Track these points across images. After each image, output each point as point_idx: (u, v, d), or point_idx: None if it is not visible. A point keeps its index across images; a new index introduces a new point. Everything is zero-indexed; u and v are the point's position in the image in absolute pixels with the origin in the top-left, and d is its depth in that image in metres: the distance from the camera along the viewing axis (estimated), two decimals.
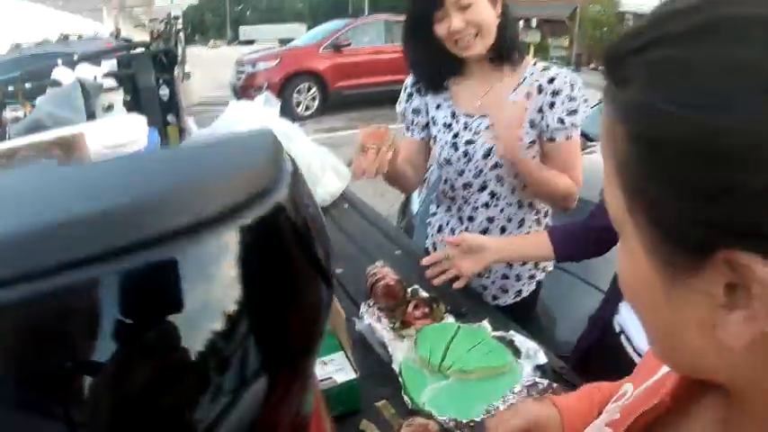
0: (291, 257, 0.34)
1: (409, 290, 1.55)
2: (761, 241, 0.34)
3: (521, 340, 1.35)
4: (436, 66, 1.72)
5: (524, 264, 1.81)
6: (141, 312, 0.27)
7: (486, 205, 1.76)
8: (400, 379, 1.23)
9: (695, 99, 0.35)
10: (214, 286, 0.29)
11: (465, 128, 1.73)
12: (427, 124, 1.85)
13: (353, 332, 1.42)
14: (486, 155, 1.69)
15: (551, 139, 1.65)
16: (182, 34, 11.68)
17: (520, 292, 1.86)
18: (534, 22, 38.64)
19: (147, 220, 0.27)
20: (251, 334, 0.31)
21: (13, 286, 0.24)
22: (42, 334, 0.25)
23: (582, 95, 1.64)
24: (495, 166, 1.69)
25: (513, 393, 1.16)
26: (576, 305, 2.48)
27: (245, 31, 60.85)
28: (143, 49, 3.36)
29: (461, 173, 1.76)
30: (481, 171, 1.72)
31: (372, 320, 1.42)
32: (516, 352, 1.32)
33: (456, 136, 1.74)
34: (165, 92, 3.19)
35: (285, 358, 0.35)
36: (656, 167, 0.38)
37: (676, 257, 0.39)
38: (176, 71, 8.65)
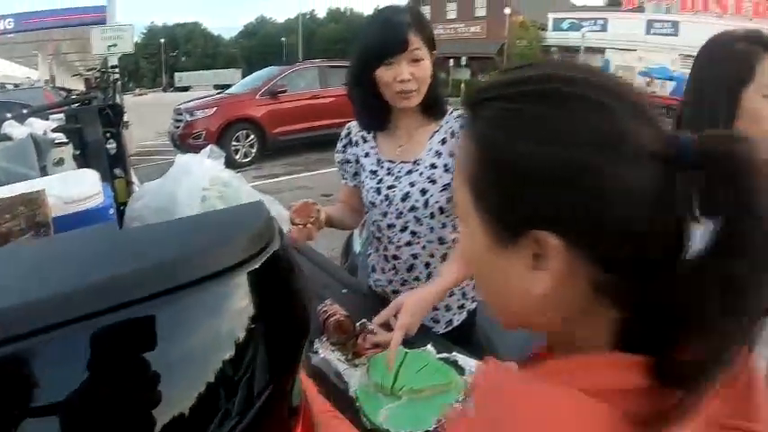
0: (289, 289, 0.49)
1: (358, 324, 1.67)
2: (552, 224, 0.55)
3: (463, 359, 1.50)
4: (374, 111, 1.84)
5: (452, 295, 1.93)
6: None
7: (409, 243, 1.88)
8: (357, 403, 1.35)
9: (519, 136, 0.57)
10: (241, 313, 0.44)
11: (388, 173, 1.87)
12: (357, 173, 1.98)
13: (309, 367, 1.54)
14: (404, 198, 1.82)
15: None
16: (118, 84, 11.68)
17: (451, 321, 1.96)
18: (464, 60, 39.71)
19: (195, 266, 0.42)
20: (261, 351, 0.46)
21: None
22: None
23: None
24: (413, 208, 1.82)
25: (460, 404, 1.30)
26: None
27: (181, 78, 60.65)
28: (89, 103, 3.43)
29: (385, 215, 1.88)
30: (401, 213, 1.84)
31: (327, 354, 1.54)
32: (460, 370, 1.46)
33: (380, 182, 1.88)
34: (112, 145, 3.25)
35: (284, 366, 0.50)
36: (491, 177, 0.59)
37: (502, 236, 0.59)
38: (121, 124, 8.58)
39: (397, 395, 1.37)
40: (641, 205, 0.53)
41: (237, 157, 11.10)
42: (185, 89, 50.94)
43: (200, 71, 63.26)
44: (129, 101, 22.82)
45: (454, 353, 1.54)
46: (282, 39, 78.89)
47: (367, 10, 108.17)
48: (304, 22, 75.90)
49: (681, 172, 0.54)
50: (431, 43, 1.75)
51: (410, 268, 1.92)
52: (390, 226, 1.89)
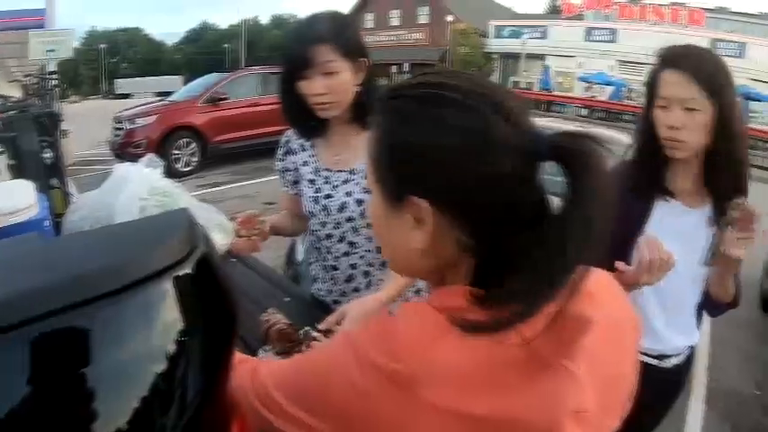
0: (216, 293, 0.50)
1: (301, 332, 1.68)
2: (425, 193, 0.73)
3: None
4: (305, 119, 1.84)
5: (393, 301, 1.92)
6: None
7: (347, 254, 1.90)
8: None
9: (405, 125, 0.75)
10: (171, 314, 0.45)
11: (325, 182, 1.88)
12: (296, 181, 1.99)
13: None
14: (341, 208, 1.84)
15: None
16: (56, 90, 11.38)
17: None
18: (406, 67, 39.98)
19: (128, 270, 0.42)
20: (188, 356, 0.46)
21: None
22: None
23: None
24: (350, 219, 1.84)
25: None
26: None
27: (122, 85, 59.50)
28: (26, 111, 3.35)
29: (323, 225, 1.90)
30: (339, 223, 1.87)
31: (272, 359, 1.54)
32: None
33: (318, 191, 1.89)
34: (48, 155, 3.18)
35: (215, 362, 0.50)
36: (384, 155, 0.78)
37: (392, 201, 0.78)
38: (58, 132, 8.40)
39: None
40: (503, 184, 0.71)
41: (179, 165, 10.94)
42: (126, 96, 49.90)
43: (142, 78, 62.10)
44: (68, 108, 22.23)
45: None
46: (225, 45, 78.13)
47: None
48: (247, 29, 75.32)
49: (540, 161, 0.72)
50: (353, 53, 1.74)
51: (349, 278, 1.93)
52: (329, 236, 1.91)
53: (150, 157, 2.83)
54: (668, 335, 1.82)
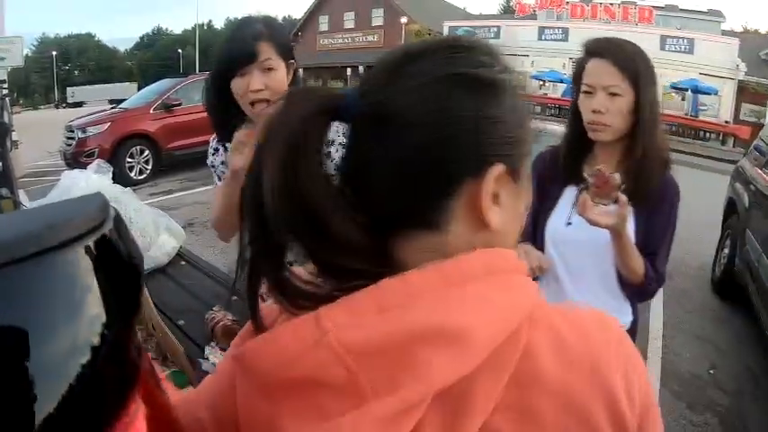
0: (124, 258, 0.57)
1: None
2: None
3: None
4: (232, 121, 1.81)
5: None
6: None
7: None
8: None
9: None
10: (82, 277, 0.51)
11: None
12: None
13: (201, 372, 1.59)
14: None
15: None
16: (7, 100, 11.15)
17: None
18: (361, 69, 40.01)
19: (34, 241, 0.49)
20: (89, 328, 0.53)
21: None
22: None
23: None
24: None
25: None
26: None
27: (74, 93, 58.32)
28: None
29: None
30: None
31: (216, 359, 1.60)
32: None
33: None
34: None
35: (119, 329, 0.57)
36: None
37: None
38: (8, 142, 8.37)
39: None
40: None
41: (132, 173, 10.82)
42: (79, 105, 48.92)
43: (95, 85, 60.99)
44: (19, 119, 21.80)
45: None
46: (179, 50, 77.29)
47: None
48: (202, 33, 74.56)
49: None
50: (287, 54, 1.80)
51: None
52: None
53: (99, 163, 2.87)
54: (579, 299, 1.89)
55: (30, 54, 76.63)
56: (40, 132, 15.52)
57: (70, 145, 10.81)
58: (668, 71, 26.36)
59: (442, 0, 45.62)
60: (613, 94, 1.69)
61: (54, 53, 75.05)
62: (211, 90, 1.84)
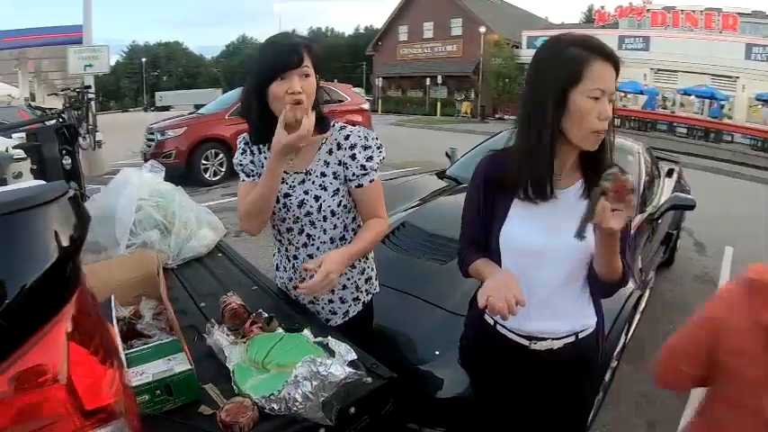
0: (75, 216, 0.84)
1: (254, 313, 1.91)
2: None
3: (335, 343, 1.69)
4: (267, 124, 1.94)
5: (345, 288, 2.21)
6: None
7: (305, 245, 2.13)
8: (231, 374, 1.58)
9: None
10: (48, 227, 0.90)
11: (283, 182, 2.05)
12: (255, 175, 2.11)
13: (205, 346, 1.77)
14: (300, 205, 2.05)
15: (360, 186, 2.05)
16: (93, 103, 11.83)
17: (347, 312, 2.24)
18: (440, 79, 40.13)
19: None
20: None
21: None
22: None
23: (375, 144, 2.08)
24: (308, 213, 2.06)
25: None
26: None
27: (162, 97, 60.53)
28: (49, 123, 3.68)
29: (283, 220, 2.12)
30: (298, 218, 2.08)
31: (218, 335, 1.77)
32: (330, 352, 1.66)
33: (278, 190, 2.03)
34: (67, 161, 3.51)
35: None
36: None
37: None
38: (87, 140, 9.07)
39: (266, 368, 1.60)
40: None
41: (207, 175, 11.29)
42: (166, 108, 50.76)
43: (181, 91, 63.11)
44: (109, 120, 22.82)
45: (329, 337, 1.74)
46: None
47: (348, 30, 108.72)
48: None
49: None
50: (317, 67, 1.95)
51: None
52: (289, 230, 2.14)
53: (152, 162, 3.12)
54: (535, 315, 1.80)
55: (120, 60, 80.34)
56: (127, 133, 16.21)
57: (150, 146, 11.37)
58: (754, 81, 25.39)
59: (522, 9, 45.31)
60: (610, 102, 1.60)
61: (143, 60, 78.10)
62: (251, 94, 1.96)
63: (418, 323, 3.04)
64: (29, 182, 2.66)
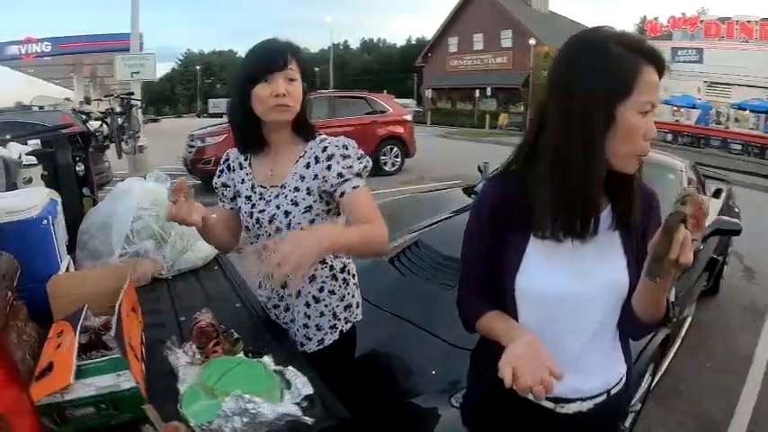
0: None
1: (224, 333, 1.84)
2: None
3: (293, 374, 1.61)
4: (253, 131, 1.94)
5: (322, 315, 2.06)
6: None
7: (279, 264, 1.92)
8: (179, 396, 1.51)
9: None
10: None
11: (260, 198, 1.99)
12: (234, 197, 2.09)
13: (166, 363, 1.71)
14: (271, 220, 1.95)
15: (342, 194, 1.88)
16: (136, 109, 12.10)
17: (322, 340, 2.08)
18: (489, 91, 39.85)
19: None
20: None
21: None
22: None
23: (356, 154, 1.92)
24: (278, 230, 1.94)
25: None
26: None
27: (215, 104, 61.63)
28: (63, 131, 3.75)
29: (258, 237, 2.03)
30: (270, 234, 1.96)
31: (179, 353, 1.71)
32: (286, 383, 1.58)
33: (253, 206, 2.00)
34: (80, 168, 3.54)
35: None
36: None
37: None
38: (129, 144, 9.38)
39: (214, 394, 1.51)
40: None
41: None
42: (219, 115, 51.72)
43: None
44: (161, 126, 23.25)
45: (289, 367, 1.65)
46: (315, 69, 79.95)
47: (399, 41, 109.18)
48: (337, 53, 76.90)
49: None
50: (304, 74, 1.91)
51: (283, 285, 2.07)
52: (264, 247, 2.02)
53: (158, 172, 3.12)
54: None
55: (176, 67, 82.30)
56: (176, 139, 16.47)
57: (191, 152, 11.55)
58: None
59: (573, 21, 44.76)
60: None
61: (198, 67, 79.73)
62: (237, 98, 1.92)
63: (413, 354, 2.79)
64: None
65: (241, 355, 1.76)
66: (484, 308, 1.55)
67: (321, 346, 2.09)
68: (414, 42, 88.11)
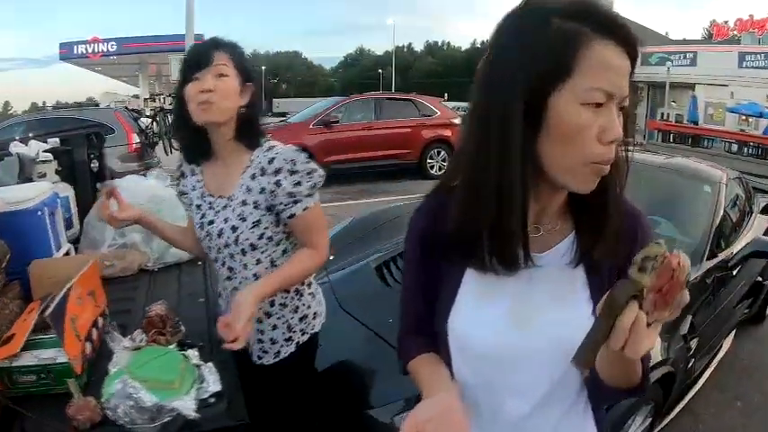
0: None
1: (173, 325, 1.96)
2: None
3: (210, 370, 1.68)
4: (194, 140, 1.89)
5: (275, 328, 2.00)
6: None
7: (228, 278, 1.96)
8: (106, 377, 1.61)
9: None
10: None
11: (209, 207, 1.93)
12: (191, 204, 2.03)
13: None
14: (219, 234, 1.88)
15: (291, 216, 1.83)
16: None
17: (279, 353, 2.02)
18: None
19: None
20: None
21: None
22: None
23: (305, 168, 1.83)
24: (226, 245, 1.89)
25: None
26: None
27: (279, 104, 62.25)
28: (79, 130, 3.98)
29: (210, 249, 1.98)
30: (219, 249, 1.92)
31: (117, 337, 1.84)
32: (201, 378, 1.65)
33: (203, 216, 1.94)
34: (95, 164, 3.74)
35: None
36: None
37: None
38: (165, 143, 9.60)
39: (133, 379, 1.55)
40: None
41: None
42: (283, 115, 52.26)
43: (297, 98, 64.96)
44: None
45: (209, 363, 1.71)
46: (379, 70, 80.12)
47: (464, 44, 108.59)
48: (401, 55, 77.17)
49: None
50: (243, 71, 1.84)
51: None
52: (215, 260, 2.00)
53: (159, 170, 3.28)
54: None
55: None
56: None
57: None
58: None
59: (640, 25, 43.64)
60: (622, 112, 0.96)
61: (263, 68, 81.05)
62: (176, 105, 1.89)
63: (378, 366, 2.65)
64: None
65: (173, 346, 1.85)
66: (417, 350, 1.26)
67: (278, 359, 2.04)
68: (478, 46, 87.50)
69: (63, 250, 2.55)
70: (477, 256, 1.06)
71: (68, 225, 2.92)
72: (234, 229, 1.86)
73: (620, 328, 0.81)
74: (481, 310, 1.12)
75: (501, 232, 1.01)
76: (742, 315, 4.79)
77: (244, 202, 1.86)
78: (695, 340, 3.35)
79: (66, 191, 3.04)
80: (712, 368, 4.12)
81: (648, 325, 0.81)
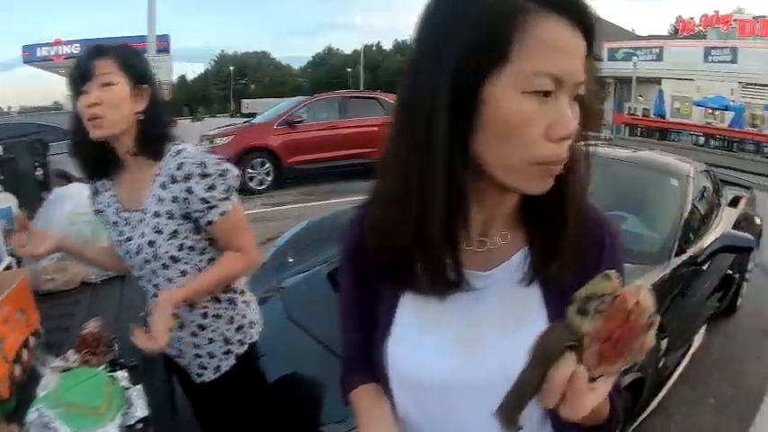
0: None
1: (109, 343, 1.88)
2: None
3: (138, 394, 1.59)
4: (97, 154, 1.78)
5: (212, 342, 1.91)
6: None
7: (155, 296, 1.83)
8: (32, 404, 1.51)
9: None
10: None
11: (126, 223, 1.84)
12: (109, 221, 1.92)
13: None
14: (138, 251, 1.78)
15: (210, 223, 1.74)
16: None
17: (219, 367, 1.94)
18: None
19: None
20: None
21: None
22: None
23: (217, 170, 1.71)
24: (146, 261, 1.79)
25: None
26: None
27: (248, 104, 62.18)
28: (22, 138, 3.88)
29: (133, 267, 1.88)
30: (141, 266, 1.83)
31: (45, 360, 1.75)
32: (127, 404, 1.55)
33: (120, 234, 1.85)
34: (40, 173, 3.63)
35: None
36: None
37: None
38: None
39: (58, 404, 1.48)
40: None
41: (253, 184, 11.39)
42: (251, 116, 52.04)
43: (266, 99, 64.81)
44: (196, 125, 23.65)
45: (139, 386, 1.62)
46: (348, 69, 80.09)
47: None
48: (370, 54, 77.09)
49: None
50: (136, 76, 1.71)
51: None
52: (139, 278, 1.91)
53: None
54: None
55: (210, 68, 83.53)
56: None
57: None
58: None
59: (607, 21, 44.06)
60: (575, 101, 0.80)
61: (231, 68, 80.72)
62: (72, 121, 1.77)
63: (327, 379, 2.45)
64: None
65: (101, 368, 1.73)
66: (360, 379, 1.13)
67: (219, 374, 1.95)
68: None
69: (4, 263, 2.45)
70: (411, 276, 0.91)
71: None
72: (151, 243, 1.76)
73: (551, 385, 0.66)
74: (423, 337, 0.97)
75: (423, 246, 0.85)
76: (713, 309, 4.73)
77: (157, 214, 1.75)
78: (665, 340, 3.24)
79: (8, 201, 2.91)
80: (683, 365, 4.08)
81: (594, 380, 0.67)
